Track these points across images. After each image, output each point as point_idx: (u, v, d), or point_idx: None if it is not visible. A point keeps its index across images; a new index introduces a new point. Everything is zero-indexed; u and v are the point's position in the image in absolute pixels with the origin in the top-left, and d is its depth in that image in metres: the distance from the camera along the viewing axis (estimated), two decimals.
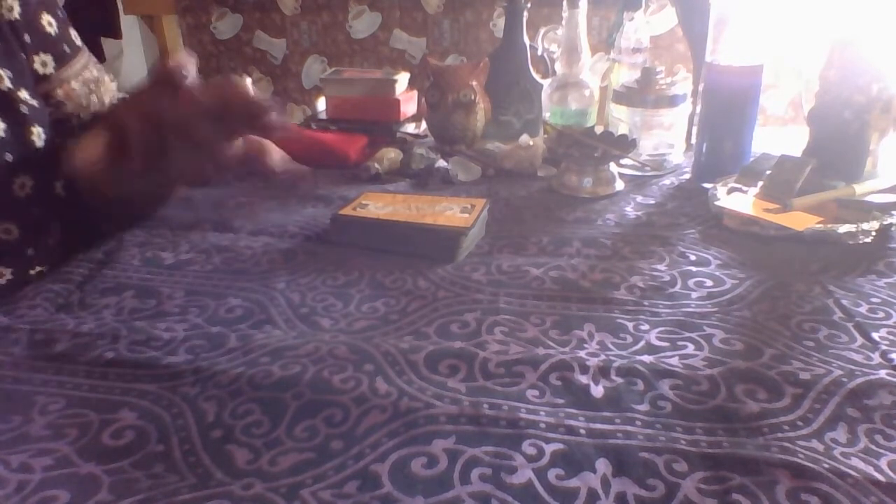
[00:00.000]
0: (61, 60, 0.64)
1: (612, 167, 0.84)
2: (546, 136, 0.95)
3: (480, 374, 0.46)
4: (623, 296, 0.57)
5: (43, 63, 0.63)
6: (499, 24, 1.74)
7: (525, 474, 0.37)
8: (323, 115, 1.08)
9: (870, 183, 0.72)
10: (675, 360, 0.47)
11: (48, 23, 0.63)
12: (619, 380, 0.45)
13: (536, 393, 0.44)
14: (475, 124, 0.97)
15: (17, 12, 0.60)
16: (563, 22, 0.96)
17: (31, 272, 0.61)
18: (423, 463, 0.38)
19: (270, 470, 0.37)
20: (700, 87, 0.92)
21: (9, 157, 0.57)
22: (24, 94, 0.59)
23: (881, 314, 0.53)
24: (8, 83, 0.57)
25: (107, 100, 0.69)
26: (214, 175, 0.48)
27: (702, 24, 0.90)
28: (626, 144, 0.84)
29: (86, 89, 0.67)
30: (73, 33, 0.67)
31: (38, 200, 0.60)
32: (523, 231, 0.71)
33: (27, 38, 0.61)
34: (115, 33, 1.97)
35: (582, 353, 0.48)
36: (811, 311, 0.54)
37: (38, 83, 0.62)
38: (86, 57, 0.68)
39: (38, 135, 0.59)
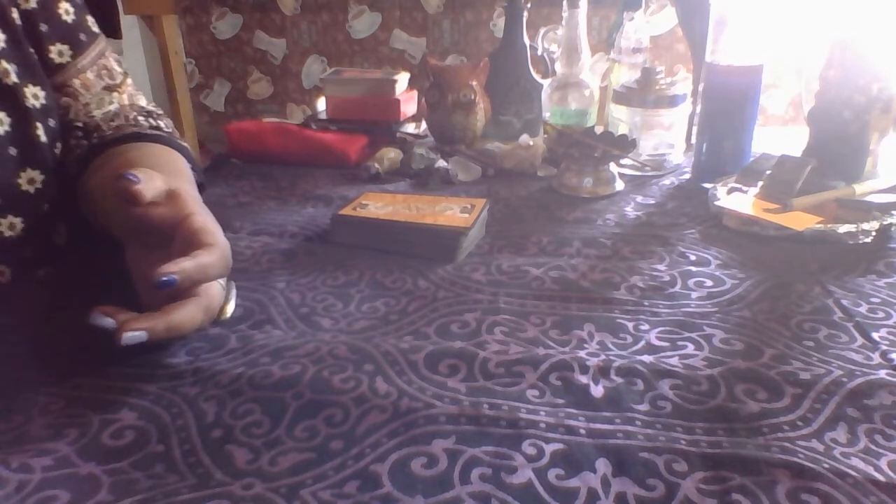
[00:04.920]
0: (77, 49, 0.64)
1: (612, 167, 0.84)
2: (546, 136, 0.95)
3: (480, 374, 0.46)
4: (623, 296, 0.57)
5: (59, 52, 0.62)
6: (499, 24, 1.74)
7: (525, 474, 0.37)
8: (323, 115, 1.08)
9: (870, 183, 0.72)
10: (675, 360, 0.47)
11: (65, 10, 0.63)
12: (619, 380, 0.45)
13: (536, 393, 0.44)
14: (475, 124, 0.97)
15: (34, 1, 0.60)
16: (563, 22, 0.96)
17: (40, 272, 0.61)
18: (423, 463, 0.38)
19: (270, 470, 0.37)
20: (700, 87, 0.92)
21: (13, 151, 0.56)
22: (30, 89, 0.58)
23: (881, 314, 0.53)
24: (14, 77, 0.56)
25: (126, 101, 0.68)
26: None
27: (702, 24, 0.90)
28: (626, 144, 0.84)
29: (101, 81, 0.66)
30: (90, 20, 0.67)
31: (48, 197, 0.59)
32: (523, 231, 0.71)
33: (44, 27, 0.61)
34: (115, 33, 1.97)
35: (582, 353, 0.48)
36: (811, 311, 0.54)
37: (55, 73, 0.62)
38: (102, 44, 0.68)
39: (44, 132, 0.58)
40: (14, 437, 0.40)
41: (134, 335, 0.42)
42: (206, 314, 0.46)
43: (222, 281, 0.50)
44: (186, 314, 0.44)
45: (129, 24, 2.09)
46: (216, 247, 0.45)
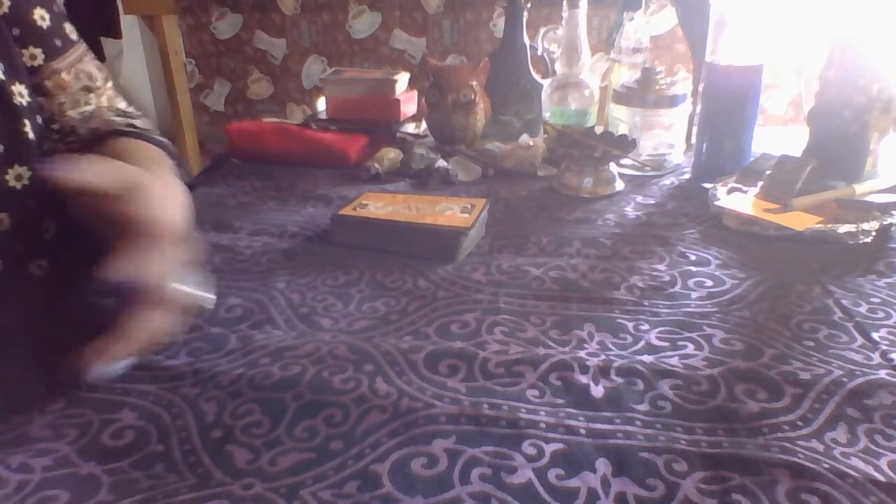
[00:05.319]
0: (52, 54, 0.64)
1: (612, 167, 0.84)
2: (546, 136, 0.95)
3: (480, 374, 0.46)
4: (623, 296, 0.57)
5: (31, 56, 0.62)
6: (499, 24, 1.74)
7: (525, 474, 0.37)
8: (323, 115, 1.08)
9: (870, 183, 0.72)
10: (675, 360, 0.47)
11: (41, 17, 0.63)
12: (619, 380, 0.45)
13: (536, 393, 0.44)
14: (475, 124, 0.97)
15: (6, 6, 0.60)
16: (563, 22, 0.96)
17: (30, 265, 0.61)
18: (423, 463, 0.38)
19: (270, 470, 0.37)
20: (700, 87, 0.92)
21: (0, 148, 0.56)
22: (17, 88, 0.58)
23: (881, 314, 0.53)
24: (0, 75, 0.56)
25: (104, 102, 0.68)
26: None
27: (702, 24, 0.90)
28: (626, 144, 0.84)
29: (79, 82, 0.66)
30: (69, 28, 0.67)
31: (34, 193, 0.59)
32: (523, 231, 0.71)
33: (15, 31, 0.61)
34: (115, 33, 1.97)
35: (582, 353, 0.48)
36: (811, 311, 0.54)
37: (29, 75, 0.62)
38: (80, 51, 0.68)
39: (31, 129, 0.59)
40: (14, 437, 0.40)
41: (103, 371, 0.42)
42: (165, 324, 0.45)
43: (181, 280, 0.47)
44: (145, 332, 0.43)
45: (129, 24, 2.09)
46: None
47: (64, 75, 0.65)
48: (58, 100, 0.64)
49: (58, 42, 0.65)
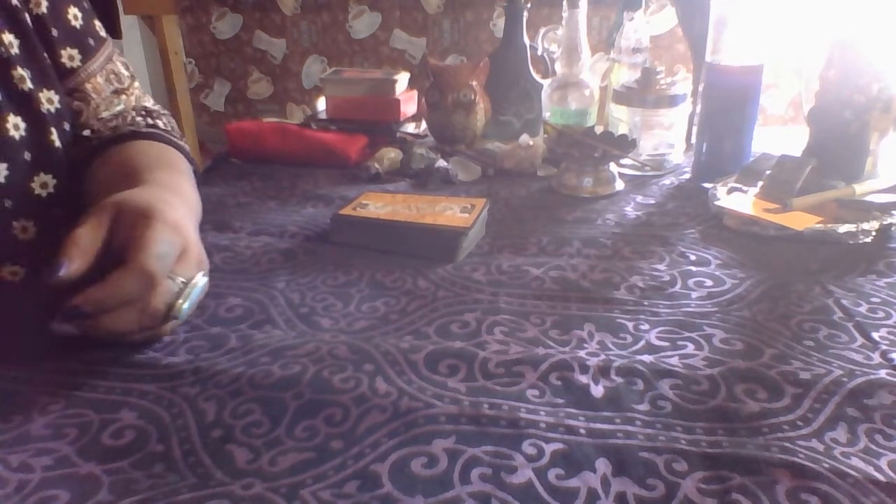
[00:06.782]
0: (87, 53, 0.64)
1: (612, 167, 0.84)
2: (546, 136, 0.95)
3: (480, 373, 0.46)
4: (623, 296, 0.57)
5: (70, 57, 0.63)
6: (499, 24, 1.74)
7: (525, 474, 0.37)
8: (323, 115, 1.08)
9: (870, 183, 0.72)
10: (675, 360, 0.47)
11: (74, 16, 0.63)
12: (619, 380, 0.45)
13: (536, 393, 0.44)
14: (475, 124, 0.97)
15: (44, 6, 0.60)
16: (563, 22, 0.96)
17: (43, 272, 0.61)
18: (423, 463, 0.38)
19: (270, 470, 0.37)
20: (700, 87, 0.92)
21: (28, 156, 0.56)
22: (45, 94, 0.58)
23: (881, 314, 0.53)
24: (29, 83, 0.57)
25: (132, 102, 0.69)
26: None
27: (702, 24, 0.90)
28: (626, 144, 0.84)
29: (110, 86, 0.67)
30: (98, 24, 0.67)
31: (60, 201, 0.59)
32: (523, 231, 0.71)
33: (54, 32, 0.61)
34: (115, 33, 1.97)
35: (582, 353, 0.48)
36: (811, 311, 0.54)
37: (66, 77, 0.62)
38: (110, 49, 0.68)
39: (58, 136, 0.59)
40: (14, 437, 0.40)
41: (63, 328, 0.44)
42: (143, 315, 0.45)
43: (182, 277, 0.47)
44: (119, 319, 0.44)
45: (129, 24, 2.09)
46: (134, 266, 0.43)
47: (99, 78, 0.66)
48: (93, 104, 0.65)
49: (91, 41, 0.65)
